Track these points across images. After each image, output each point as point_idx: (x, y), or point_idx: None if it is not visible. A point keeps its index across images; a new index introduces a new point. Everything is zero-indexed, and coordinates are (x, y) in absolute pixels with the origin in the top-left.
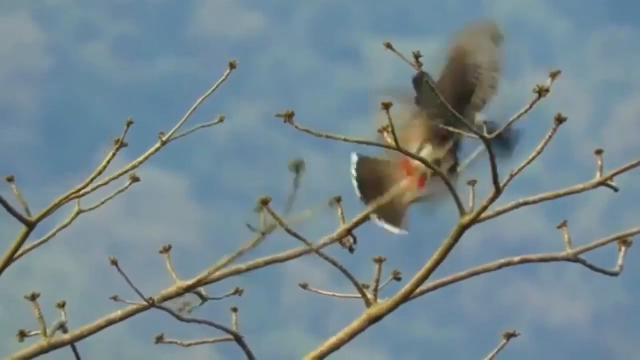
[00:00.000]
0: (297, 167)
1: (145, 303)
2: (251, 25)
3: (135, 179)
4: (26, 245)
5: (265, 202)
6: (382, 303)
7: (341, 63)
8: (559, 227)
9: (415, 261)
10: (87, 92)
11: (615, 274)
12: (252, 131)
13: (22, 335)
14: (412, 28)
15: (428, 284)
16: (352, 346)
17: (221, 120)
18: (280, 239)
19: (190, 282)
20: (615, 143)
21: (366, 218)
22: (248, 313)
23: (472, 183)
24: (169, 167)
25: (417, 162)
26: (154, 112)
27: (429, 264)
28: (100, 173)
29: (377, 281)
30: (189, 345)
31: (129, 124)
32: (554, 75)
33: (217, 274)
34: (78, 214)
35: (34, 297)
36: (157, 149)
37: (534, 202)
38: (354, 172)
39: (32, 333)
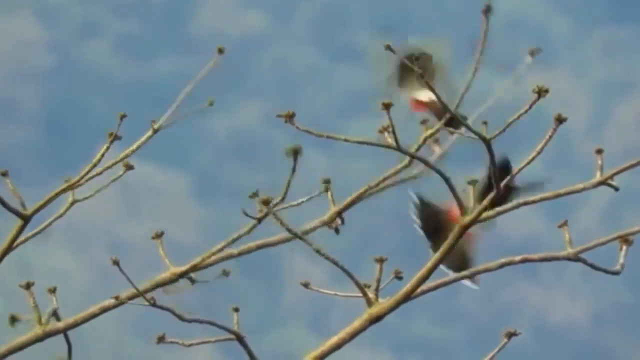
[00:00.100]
0: (295, 153)
1: (146, 302)
2: (252, 24)
3: (129, 167)
4: (22, 240)
5: (266, 202)
6: (383, 302)
7: (342, 62)
8: (560, 227)
9: (416, 261)
10: (89, 90)
11: (616, 273)
12: (252, 129)
13: (14, 320)
14: (413, 27)
15: (429, 283)
16: (353, 345)
17: (211, 104)
18: (273, 226)
19: (183, 267)
20: (616, 142)
21: (356, 200)
22: (249, 312)
23: (473, 183)
24: (169, 165)
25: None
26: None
27: (429, 264)
28: (95, 165)
29: (378, 281)
30: (190, 345)
31: (123, 117)
32: (533, 53)
33: (211, 259)
34: (72, 203)
35: (28, 286)
36: (149, 137)
37: (534, 202)
38: (417, 220)
39: (24, 317)
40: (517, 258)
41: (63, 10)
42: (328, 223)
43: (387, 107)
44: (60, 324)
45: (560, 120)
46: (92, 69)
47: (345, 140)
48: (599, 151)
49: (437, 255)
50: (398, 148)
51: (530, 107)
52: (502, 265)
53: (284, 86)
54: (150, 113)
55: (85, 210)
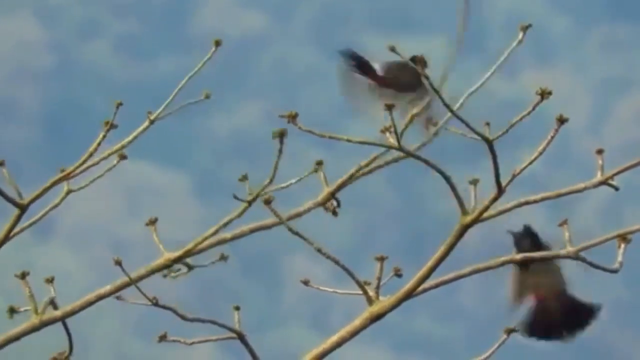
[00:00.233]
0: (281, 135)
1: (148, 302)
2: (252, 24)
3: (123, 157)
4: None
5: (267, 202)
6: (384, 300)
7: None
8: (560, 225)
9: (417, 260)
10: (89, 90)
11: (614, 271)
12: (252, 129)
13: (12, 311)
14: (414, 26)
15: (430, 281)
16: (354, 342)
17: (207, 97)
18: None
19: (177, 253)
20: (615, 140)
21: (348, 180)
22: (250, 311)
23: (474, 182)
24: (170, 165)
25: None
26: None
27: (430, 262)
28: (90, 155)
29: (379, 279)
30: (192, 343)
31: (119, 105)
32: (524, 29)
33: (204, 244)
34: (68, 193)
35: (23, 276)
36: (145, 128)
37: (536, 202)
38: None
39: (23, 309)
40: (518, 256)
41: (63, 10)
42: (323, 204)
43: (389, 108)
44: (58, 313)
45: (562, 120)
46: (92, 69)
47: (348, 141)
48: (600, 151)
49: (437, 254)
50: (399, 148)
51: (533, 109)
52: (502, 264)
53: (284, 86)
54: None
55: (86, 210)
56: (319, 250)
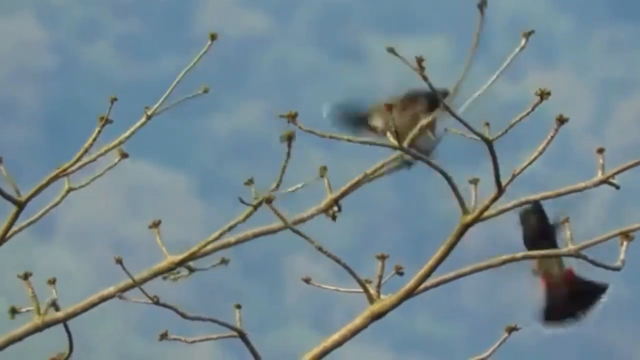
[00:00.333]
0: (288, 139)
1: (149, 300)
2: (253, 24)
3: (124, 155)
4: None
5: (268, 201)
6: (385, 299)
7: (343, 61)
8: (562, 224)
9: (418, 260)
10: (90, 91)
11: (617, 269)
12: (252, 129)
13: (14, 311)
14: (415, 26)
15: (431, 280)
16: (355, 342)
17: (205, 91)
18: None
19: (181, 256)
20: (617, 140)
21: (353, 188)
22: (251, 311)
23: (474, 182)
24: (170, 165)
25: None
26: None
27: (431, 262)
28: (86, 150)
29: (380, 277)
30: (193, 341)
31: (113, 100)
32: (527, 35)
33: (208, 247)
34: (68, 191)
35: (26, 276)
36: (143, 124)
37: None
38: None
39: (24, 310)
40: (519, 255)
41: (64, 10)
42: (325, 210)
43: (389, 108)
44: (60, 314)
45: (562, 120)
46: (93, 69)
47: (349, 140)
48: (600, 150)
49: (438, 254)
50: (400, 147)
51: (532, 109)
52: (504, 262)
53: (284, 86)
54: None
55: (87, 210)
56: (320, 249)
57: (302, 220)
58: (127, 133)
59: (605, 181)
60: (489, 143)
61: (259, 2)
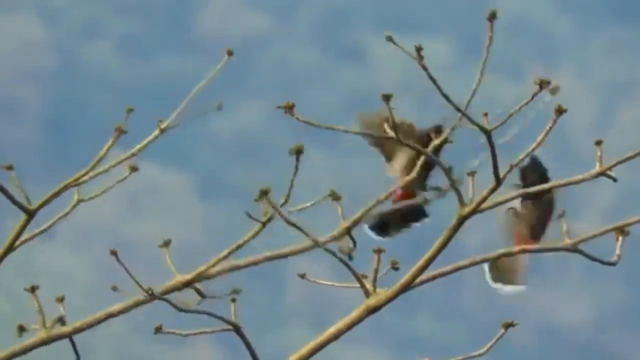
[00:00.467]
0: (297, 152)
1: (144, 294)
2: (255, 24)
3: (134, 169)
4: (26, 236)
5: (265, 193)
6: (381, 293)
7: (345, 62)
8: (559, 218)
9: (415, 254)
10: (91, 91)
11: (612, 264)
12: (254, 129)
13: (21, 329)
14: (416, 27)
15: (428, 273)
16: (354, 342)
17: (219, 107)
18: (279, 236)
19: (189, 276)
20: (619, 142)
21: (365, 214)
22: (250, 311)
23: (472, 174)
24: (173, 165)
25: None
26: (158, 111)
27: (428, 254)
28: (99, 161)
29: (376, 271)
30: (187, 335)
31: (130, 110)
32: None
33: (217, 268)
34: (78, 202)
35: (33, 289)
36: (156, 137)
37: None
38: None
39: (32, 327)
40: (516, 248)
41: (65, 10)
42: (338, 239)
43: (386, 99)
44: (66, 329)
45: (560, 111)
46: (94, 69)
47: (345, 131)
48: (598, 142)
49: (435, 246)
50: (397, 139)
51: (531, 99)
52: (501, 256)
53: (286, 86)
54: (153, 113)
55: (89, 210)
56: (316, 242)
57: (317, 246)
58: (139, 146)
59: (602, 173)
60: (487, 133)
61: (260, 2)
